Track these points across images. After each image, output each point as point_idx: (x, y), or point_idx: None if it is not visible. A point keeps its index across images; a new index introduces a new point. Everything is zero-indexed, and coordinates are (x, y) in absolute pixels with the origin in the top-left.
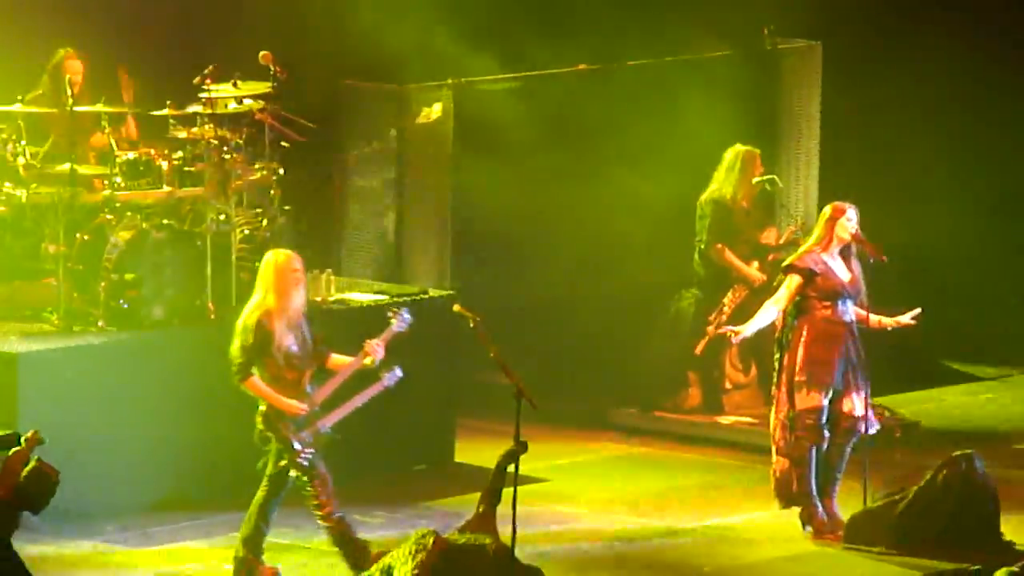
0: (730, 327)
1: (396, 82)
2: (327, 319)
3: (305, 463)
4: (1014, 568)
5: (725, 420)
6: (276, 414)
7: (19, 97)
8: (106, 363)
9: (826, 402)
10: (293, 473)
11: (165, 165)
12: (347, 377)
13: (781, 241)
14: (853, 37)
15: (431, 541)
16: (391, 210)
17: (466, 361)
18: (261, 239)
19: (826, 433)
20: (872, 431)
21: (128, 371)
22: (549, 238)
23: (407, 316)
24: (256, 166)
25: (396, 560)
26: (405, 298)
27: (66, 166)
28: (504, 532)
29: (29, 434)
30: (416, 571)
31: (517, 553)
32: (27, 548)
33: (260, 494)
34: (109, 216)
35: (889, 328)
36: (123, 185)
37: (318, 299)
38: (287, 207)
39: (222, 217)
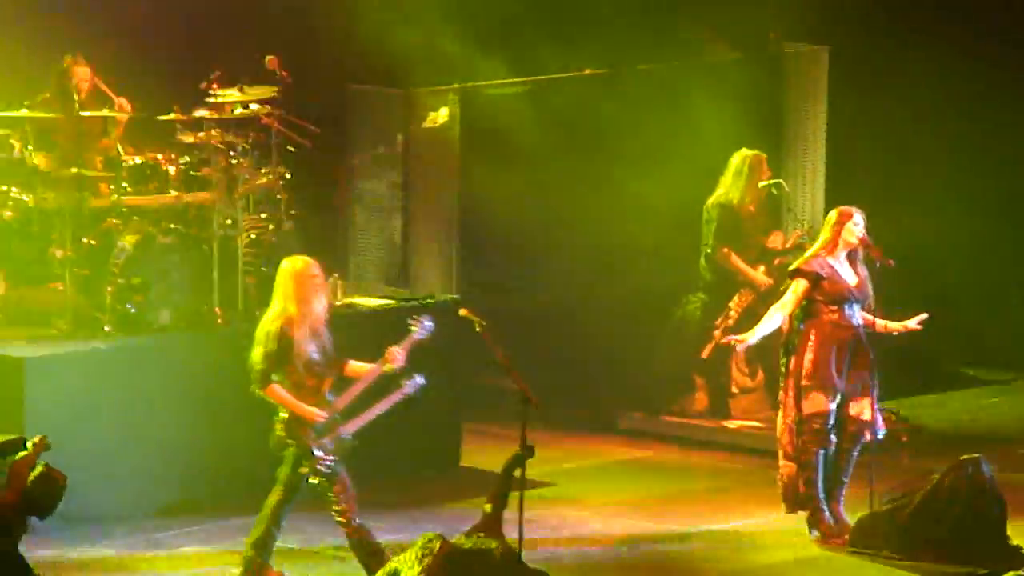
0: (734, 336)
1: (403, 86)
2: (334, 323)
3: (326, 470)
4: (1021, 572)
5: (732, 424)
6: (297, 421)
7: (26, 102)
8: (113, 368)
9: (833, 406)
10: (314, 480)
11: (172, 170)
12: (368, 384)
13: (787, 245)
14: (860, 41)
15: (438, 545)
16: (398, 214)
17: (473, 365)
18: (268, 244)
19: (833, 437)
20: (879, 436)
21: (135, 376)
22: (555, 242)
23: (428, 324)
24: (262, 171)
25: (403, 564)
26: (413, 302)
27: (73, 171)
28: (511, 536)
29: (36, 439)
30: (423, 575)
31: (524, 557)
32: (34, 552)
33: (273, 498)
34: (116, 221)
35: (895, 333)
36: (130, 190)
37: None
38: (294, 211)
39: (229, 222)
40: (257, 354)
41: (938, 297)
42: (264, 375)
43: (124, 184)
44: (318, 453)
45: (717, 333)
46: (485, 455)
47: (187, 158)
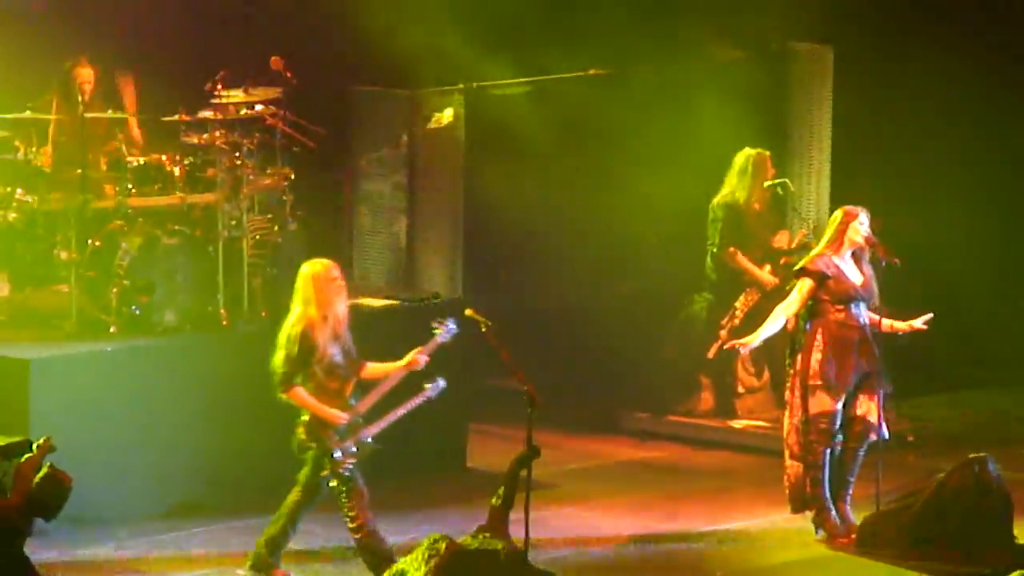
0: (737, 341)
1: (407, 87)
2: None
3: (347, 473)
4: None
5: (737, 424)
6: (319, 424)
7: (30, 104)
8: (118, 369)
9: (840, 406)
10: (334, 483)
11: (176, 171)
12: (390, 387)
13: (793, 245)
14: (864, 41)
15: (444, 546)
16: (403, 215)
17: (478, 366)
18: (273, 245)
19: (839, 437)
20: (885, 435)
21: (140, 377)
22: (561, 242)
23: (452, 327)
24: (267, 172)
25: (409, 565)
26: (418, 302)
27: (77, 173)
28: (517, 536)
29: (41, 441)
30: None
31: (529, 557)
32: (40, 554)
33: (293, 498)
34: (121, 222)
35: (901, 332)
36: (134, 191)
37: None
38: (299, 212)
39: (233, 223)
40: (279, 358)
41: (944, 296)
42: (286, 378)
43: (129, 185)
44: (339, 456)
45: (723, 333)
46: (491, 456)
47: (192, 159)
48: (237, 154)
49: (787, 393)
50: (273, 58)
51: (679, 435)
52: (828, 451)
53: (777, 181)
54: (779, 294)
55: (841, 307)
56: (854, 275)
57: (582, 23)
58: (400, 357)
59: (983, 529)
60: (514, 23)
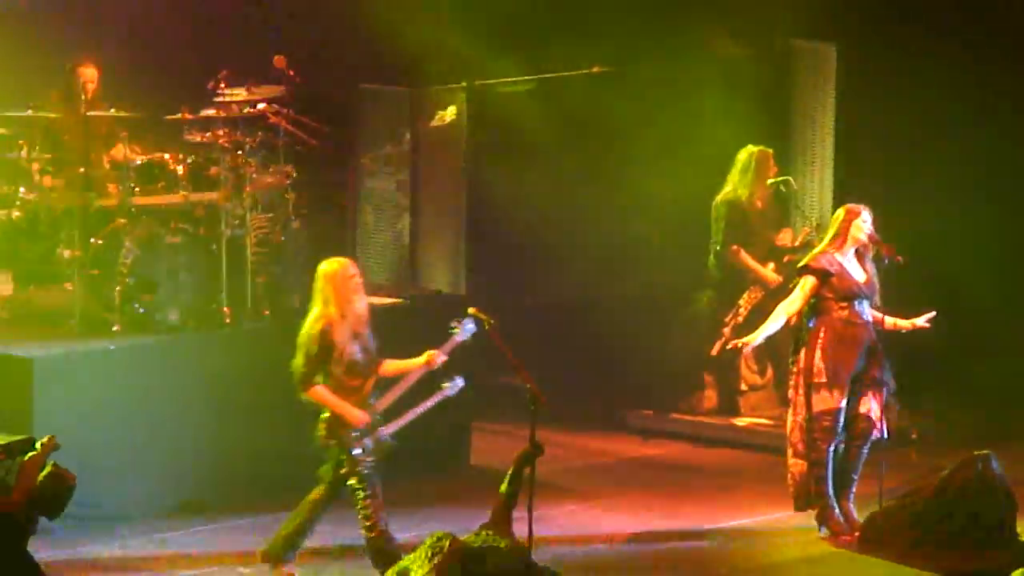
0: (739, 340)
1: (411, 85)
2: None
3: (366, 471)
4: None
5: (741, 422)
6: (339, 422)
7: (33, 103)
8: (121, 368)
9: (843, 404)
10: (352, 480)
11: (180, 169)
12: (409, 386)
13: (796, 242)
14: (868, 38)
15: (447, 544)
16: (406, 213)
17: (481, 364)
18: (276, 243)
19: (843, 435)
20: (888, 433)
21: (143, 375)
22: (564, 240)
23: (470, 326)
24: (270, 170)
25: (412, 563)
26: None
27: (80, 171)
28: (520, 534)
29: (45, 439)
30: (432, 574)
31: (533, 555)
32: (43, 552)
33: (315, 496)
34: (124, 221)
35: (904, 330)
36: (138, 190)
37: None
38: (302, 210)
39: (236, 221)
40: (300, 357)
41: (948, 293)
42: (306, 377)
43: (132, 184)
44: (358, 453)
45: (726, 331)
46: (495, 454)
47: (195, 157)
48: (240, 152)
49: (790, 391)
50: (276, 56)
51: (682, 433)
52: (831, 449)
53: (780, 179)
54: (782, 292)
55: (844, 304)
56: (857, 273)
57: (586, 20)
58: (404, 355)
59: (986, 527)
60: (517, 21)
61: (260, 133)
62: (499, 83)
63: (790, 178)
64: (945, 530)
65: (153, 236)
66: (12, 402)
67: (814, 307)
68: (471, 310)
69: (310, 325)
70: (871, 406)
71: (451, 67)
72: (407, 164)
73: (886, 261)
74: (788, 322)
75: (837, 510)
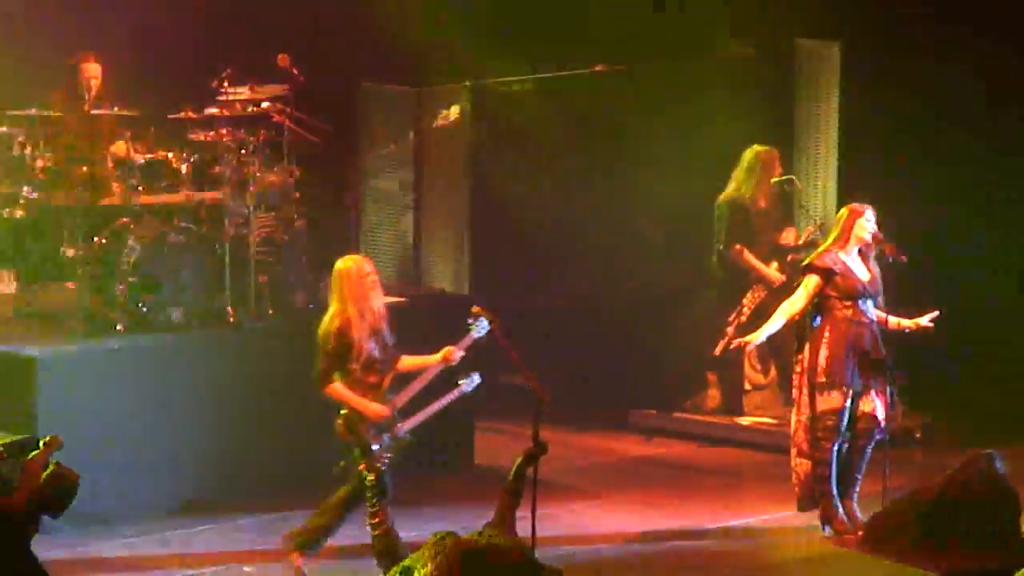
0: (741, 339)
1: (414, 84)
2: None
3: (383, 467)
4: None
5: (745, 421)
6: (357, 418)
7: (36, 102)
8: (125, 366)
9: (847, 403)
10: (370, 477)
11: (183, 168)
12: (426, 383)
13: (800, 242)
14: (872, 37)
15: (450, 543)
16: (410, 212)
17: (485, 363)
18: (279, 242)
19: (846, 434)
20: (892, 433)
21: (147, 374)
22: (568, 239)
23: (486, 323)
24: (274, 169)
25: (415, 563)
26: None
27: (84, 170)
28: (524, 533)
29: (49, 438)
30: (435, 573)
31: (537, 554)
32: (47, 552)
33: (343, 492)
34: (127, 220)
35: (907, 330)
36: (141, 189)
37: None
38: (305, 209)
39: (240, 220)
40: (319, 355)
41: (951, 292)
42: (324, 375)
43: (135, 183)
44: (376, 449)
45: (730, 330)
46: (498, 453)
47: (198, 156)
48: (244, 151)
49: (794, 390)
50: (280, 55)
51: (686, 432)
52: (836, 448)
53: (784, 178)
54: (786, 291)
55: (848, 303)
56: (861, 272)
57: (589, 19)
58: (408, 354)
59: (990, 526)
60: (521, 19)
61: (264, 132)
62: (503, 82)
63: (794, 177)
64: (949, 530)
65: (157, 235)
66: (15, 401)
67: (818, 306)
68: (475, 309)
69: (327, 323)
70: (875, 405)
71: (455, 66)
72: (411, 163)
73: (890, 260)
74: (791, 321)
75: (841, 509)
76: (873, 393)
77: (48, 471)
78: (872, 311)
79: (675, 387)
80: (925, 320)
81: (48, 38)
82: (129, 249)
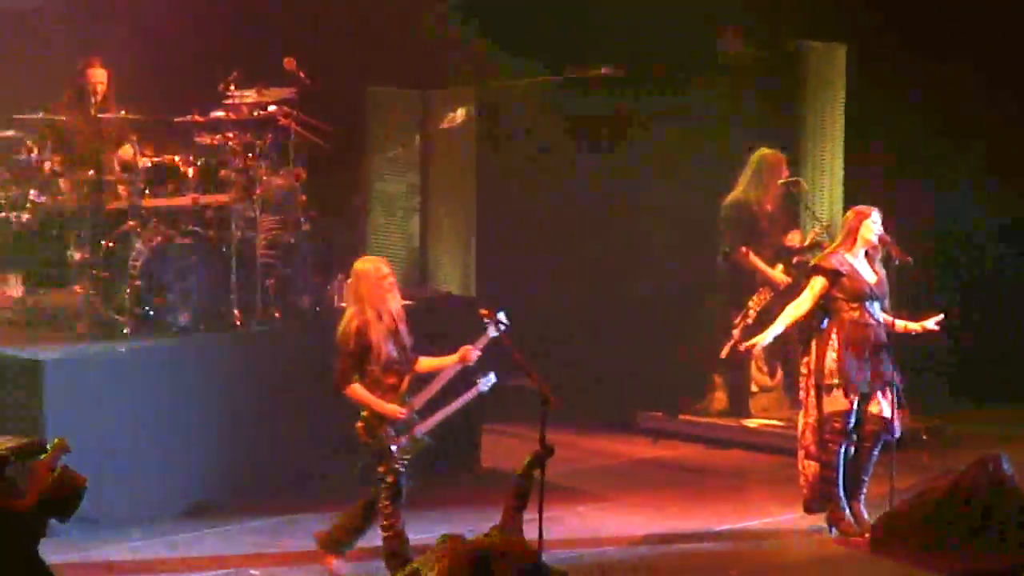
0: (746, 343)
1: (421, 87)
2: None
3: (402, 469)
4: None
5: (751, 423)
6: (377, 420)
7: (44, 105)
8: (131, 370)
9: (854, 405)
10: (389, 479)
11: (190, 172)
12: (444, 383)
13: (806, 244)
14: (877, 39)
15: (457, 546)
16: (416, 215)
17: (491, 365)
18: (286, 245)
19: (854, 436)
20: (899, 434)
21: (153, 378)
22: (574, 242)
23: (503, 320)
24: (280, 172)
25: (422, 566)
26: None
27: (90, 173)
28: (531, 536)
29: (56, 441)
30: None
31: (544, 557)
32: (54, 555)
33: (372, 498)
34: (134, 223)
35: (914, 333)
36: (147, 192)
37: (344, 305)
38: (312, 212)
39: (246, 223)
40: (337, 357)
41: (959, 293)
42: (344, 376)
43: (142, 186)
44: (394, 451)
45: (736, 332)
46: (505, 456)
47: (205, 160)
48: (250, 154)
49: (802, 393)
50: (286, 58)
51: (693, 434)
52: (843, 450)
53: (790, 180)
54: (792, 293)
55: (855, 305)
56: (868, 274)
57: (595, 22)
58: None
59: (998, 527)
60: (527, 22)
61: (270, 135)
62: (509, 85)
63: (800, 179)
64: (957, 531)
65: (163, 238)
66: (22, 404)
67: (825, 308)
68: (482, 311)
69: (346, 323)
70: (882, 407)
71: (461, 69)
72: (417, 166)
73: (896, 262)
74: (797, 323)
75: (848, 511)
76: (880, 395)
77: (55, 475)
78: (879, 313)
79: (681, 389)
80: (931, 323)
81: (55, 43)
82: (136, 252)
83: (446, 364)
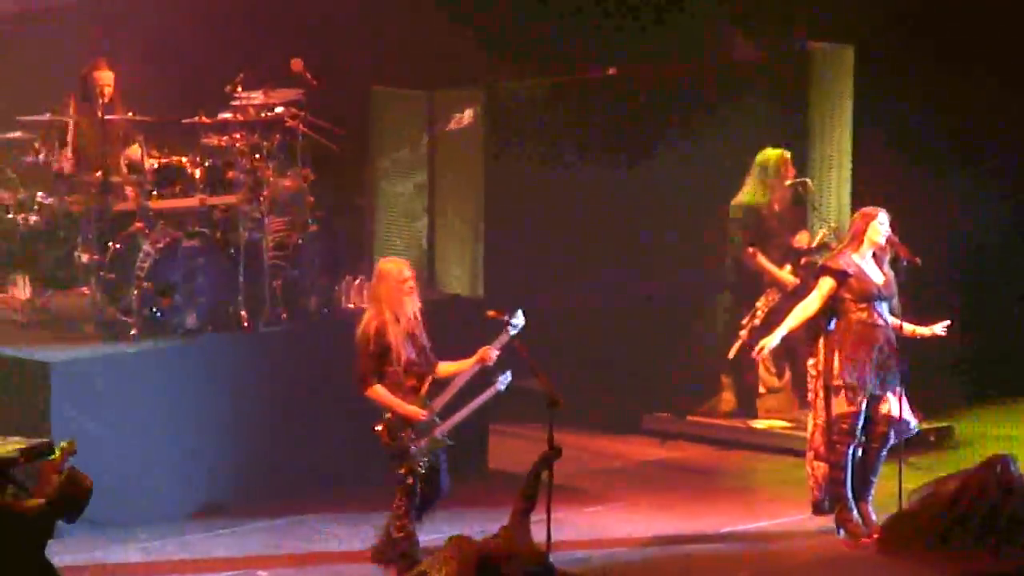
0: (756, 348)
1: (427, 88)
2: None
3: (421, 470)
4: None
5: (759, 424)
6: (399, 421)
7: (50, 107)
8: (139, 371)
9: (862, 406)
10: (410, 480)
11: (197, 173)
12: (463, 384)
13: (813, 244)
14: (885, 39)
15: (465, 547)
16: (423, 216)
17: (499, 366)
18: (293, 246)
19: (861, 437)
20: (907, 435)
21: (161, 379)
22: (581, 243)
23: (519, 319)
24: (288, 173)
25: (430, 567)
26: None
27: (98, 175)
28: (538, 537)
29: (64, 443)
30: None
31: (551, 558)
32: (61, 557)
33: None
34: (141, 225)
35: (920, 337)
36: (155, 194)
37: (351, 306)
38: (319, 213)
39: (254, 224)
40: (357, 357)
41: (967, 294)
42: (365, 377)
43: (149, 188)
44: (415, 452)
45: (743, 333)
46: (513, 457)
47: (212, 161)
48: (257, 156)
49: (810, 394)
50: (293, 60)
51: (701, 435)
52: (851, 451)
53: (797, 180)
54: (800, 294)
55: (863, 306)
56: (875, 274)
57: (602, 22)
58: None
59: (1005, 528)
60: (533, 23)
61: (277, 136)
62: (516, 86)
63: (808, 180)
64: (964, 532)
65: (170, 240)
66: (30, 406)
67: (833, 309)
68: (489, 313)
69: (365, 324)
70: (891, 408)
71: (467, 70)
72: (424, 167)
73: (904, 263)
74: (805, 324)
75: (856, 512)
76: (888, 396)
77: (63, 476)
78: (887, 313)
79: (689, 390)
80: (939, 328)
81: (62, 44)
82: (143, 254)
83: (465, 367)
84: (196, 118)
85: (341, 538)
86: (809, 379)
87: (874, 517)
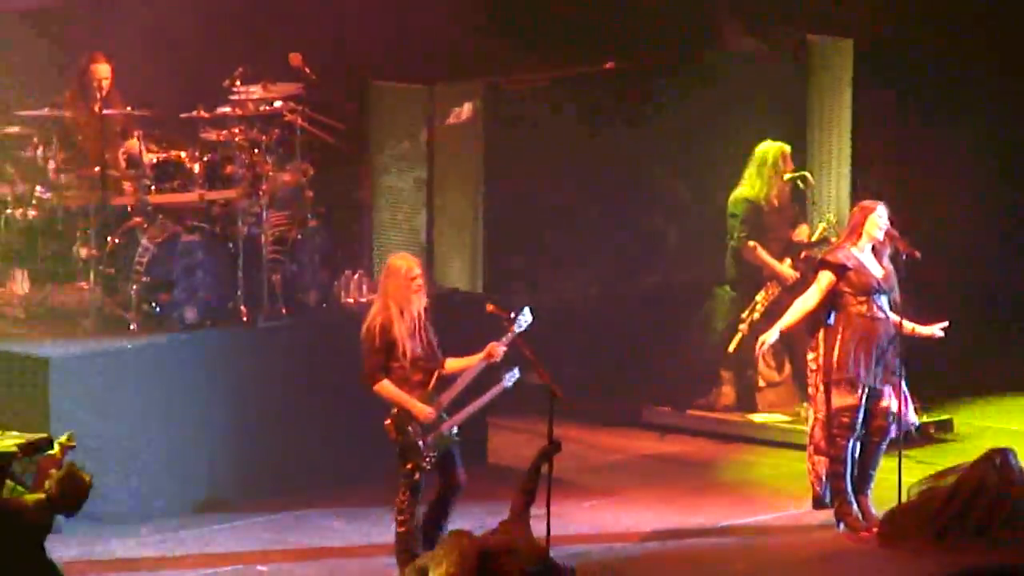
0: (757, 344)
1: (427, 82)
2: (360, 320)
3: (428, 466)
4: None
5: (759, 418)
6: (406, 417)
7: (49, 102)
8: (138, 366)
9: (862, 400)
10: (416, 476)
11: (196, 168)
12: (470, 379)
13: (813, 238)
14: (885, 33)
15: (465, 541)
16: (422, 210)
17: (504, 362)
18: (292, 241)
19: (861, 430)
20: (907, 429)
21: (160, 374)
22: (581, 236)
23: (527, 316)
24: (287, 168)
25: (431, 561)
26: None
27: (96, 170)
28: (538, 532)
29: (63, 438)
30: (451, 571)
31: (551, 552)
32: (61, 552)
33: (434, 496)
34: (140, 219)
35: (919, 337)
36: (154, 188)
37: (350, 301)
38: (318, 208)
39: (253, 219)
40: (364, 352)
41: (967, 288)
42: (371, 371)
43: (148, 182)
44: (422, 447)
45: (743, 327)
46: (512, 451)
47: (211, 155)
48: (256, 150)
49: (810, 388)
50: (292, 54)
51: (700, 429)
52: (850, 445)
53: (796, 174)
54: (800, 288)
55: (863, 299)
56: (875, 268)
57: (603, 15)
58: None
59: (1005, 521)
60: (534, 17)
61: (276, 131)
62: (515, 80)
63: (807, 173)
64: (964, 526)
65: (169, 234)
66: (29, 401)
67: (832, 303)
68: (489, 307)
69: (370, 320)
70: (890, 402)
71: (467, 64)
72: (424, 161)
73: (904, 257)
74: (805, 317)
75: (855, 506)
76: (888, 390)
77: (62, 471)
78: (887, 307)
79: (689, 384)
80: (938, 329)
81: (59, 38)
82: (142, 249)
83: (472, 363)
84: (195, 112)
85: (341, 533)
86: (809, 373)
87: (874, 511)
